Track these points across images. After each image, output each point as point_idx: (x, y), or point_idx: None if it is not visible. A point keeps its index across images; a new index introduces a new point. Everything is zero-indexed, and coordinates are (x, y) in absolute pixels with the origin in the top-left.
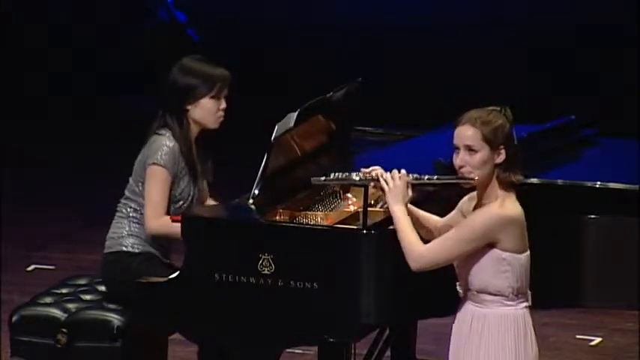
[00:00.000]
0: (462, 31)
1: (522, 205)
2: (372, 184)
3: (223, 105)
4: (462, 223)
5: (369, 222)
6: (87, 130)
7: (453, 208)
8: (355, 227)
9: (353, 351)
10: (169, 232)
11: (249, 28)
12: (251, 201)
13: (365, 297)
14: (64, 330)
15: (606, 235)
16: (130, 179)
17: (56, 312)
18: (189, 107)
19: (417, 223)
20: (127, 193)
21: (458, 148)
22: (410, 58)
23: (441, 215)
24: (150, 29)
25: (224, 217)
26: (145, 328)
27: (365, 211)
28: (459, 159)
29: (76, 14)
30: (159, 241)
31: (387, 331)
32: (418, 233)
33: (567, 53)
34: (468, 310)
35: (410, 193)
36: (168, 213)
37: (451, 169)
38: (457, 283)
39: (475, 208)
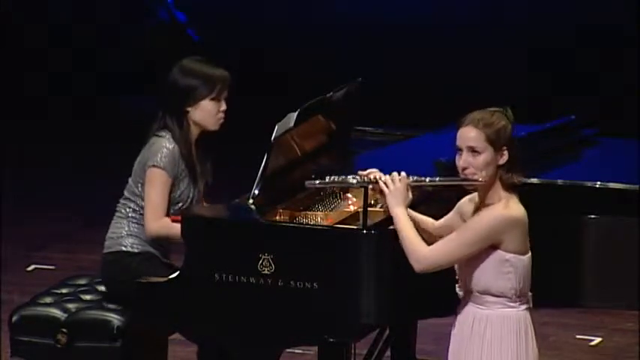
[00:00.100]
0: (462, 31)
1: (523, 205)
2: (370, 186)
3: (223, 107)
4: (466, 225)
5: (369, 222)
6: (87, 130)
7: (450, 210)
8: (355, 227)
9: (353, 351)
10: (169, 234)
11: (249, 28)
12: (251, 201)
13: (365, 297)
14: (64, 330)
15: (606, 235)
16: (130, 180)
17: (56, 312)
18: (189, 109)
19: (413, 225)
20: (126, 193)
21: (461, 150)
22: (410, 58)
23: (438, 217)
24: (150, 29)
25: (224, 217)
26: (145, 328)
27: (365, 211)
28: (463, 160)
29: (76, 14)
30: (159, 241)
31: (387, 331)
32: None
33: (567, 53)
34: (469, 311)
35: (410, 195)
36: (168, 215)
37: (452, 170)
38: (457, 285)
39: (477, 209)
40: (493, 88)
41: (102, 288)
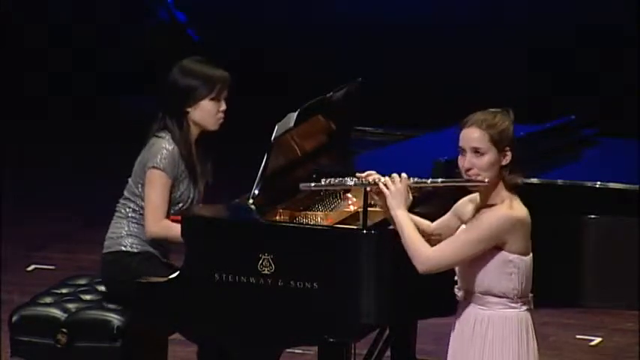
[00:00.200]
0: (462, 31)
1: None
2: (368, 188)
3: (223, 107)
4: (470, 225)
5: (369, 222)
6: (87, 130)
7: (446, 211)
8: (355, 227)
9: (353, 351)
10: (169, 235)
11: (249, 28)
12: (251, 201)
13: (365, 297)
14: (64, 330)
15: (606, 235)
16: (130, 180)
17: (56, 312)
18: (189, 109)
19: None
20: (126, 193)
21: (464, 151)
22: (410, 58)
23: (433, 218)
24: (150, 29)
25: (224, 217)
26: (145, 328)
27: (365, 211)
28: (467, 161)
29: (76, 14)
30: (158, 241)
31: (387, 331)
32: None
33: (567, 53)
34: (470, 313)
35: (410, 196)
36: (168, 216)
37: (452, 170)
38: (455, 287)
39: (478, 210)
40: (493, 88)
41: (102, 288)
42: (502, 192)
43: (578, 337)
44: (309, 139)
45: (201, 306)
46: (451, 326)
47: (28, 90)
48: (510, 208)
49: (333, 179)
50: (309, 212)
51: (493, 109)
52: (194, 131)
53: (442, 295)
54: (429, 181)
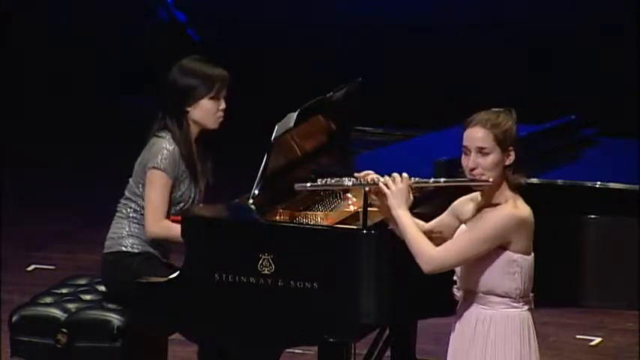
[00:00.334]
0: (462, 31)
1: None
2: (367, 188)
3: (223, 105)
4: (475, 225)
5: (369, 222)
6: (87, 130)
7: (442, 211)
8: (355, 227)
9: (353, 351)
10: (170, 235)
11: (249, 28)
12: (251, 201)
13: (365, 297)
14: (64, 330)
15: (606, 235)
16: (130, 180)
17: (56, 312)
18: (188, 109)
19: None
20: (126, 193)
21: (468, 150)
22: (410, 58)
23: (429, 218)
24: (150, 29)
25: (224, 217)
26: (145, 328)
27: (365, 211)
28: (471, 161)
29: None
30: (159, 241)
31: (387, 331)
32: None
33: (567, 53)
34: (471, 313)
35: (411, 196)
36: (168, 216)
37: (452, 170)
38: (455, 287)
39: (479, 210)
40: (493, 88)
41: (102, 288)
42: (506, 192)
43: (578, 337)
44: (309, 139)
45: (201, 306)
46: (451, 326)
47: (28, 90)
48: (515, 208)
49: (329, 179)
50: (309, 212)
51: (496, 109)
52: (194, 130)
53: (442, 295)
54: (431, 180)
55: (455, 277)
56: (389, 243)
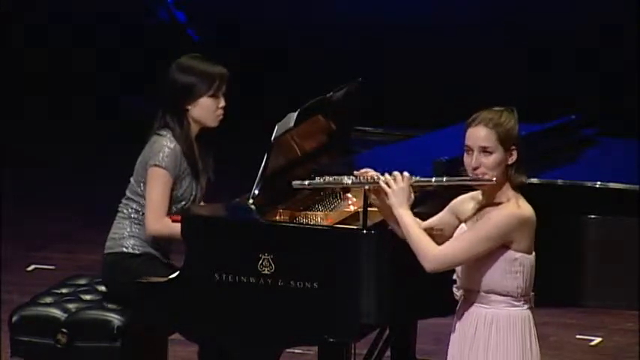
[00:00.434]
0: (462, 31)
1: None
2: (366, 187)
3: (222, 103)
4: (478, 224)
5: (369, 222)
6: (87, 130)
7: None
8: (355, 227)
9: (353, 351)
10: (170, 233)
11: (249, 28)
12: (251, 201)
13: (365, 297)
14: (64, 330)
15: (606, 235)
16: (132, 179)
17: (56, 312)
18: (188, 107)
19: (398, 225)
20: (128, 193)
21: (471, 149)
22: (410, 58)
23: (425, 217)
24: (150, 29)
25: (224, 217)
26: (145, 328)
27: (365, 211)
28: (475, 160)
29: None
30: (159, 241)
31: (387, 331)
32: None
33: (567, 53)
34: (472, 312)
35: (412, 195)
36: (169, 214)
37: (452, 170)
38: (454, 286)
39: (481, 209)
40: (493, 88)
41: (102, 288)
42: (508, 191)
43: (578, 337)
44: (309, 139)
45: (201, 306)
46: (451, 326)
47: (28, 90)
48: (517, 207)
49: (328, 177)
50: (309, 212)
51: (498, 108)
52: (194, 128)
53: (442, 295)
54: (433, 179)
55: (454, 277)
56: (389, 243)
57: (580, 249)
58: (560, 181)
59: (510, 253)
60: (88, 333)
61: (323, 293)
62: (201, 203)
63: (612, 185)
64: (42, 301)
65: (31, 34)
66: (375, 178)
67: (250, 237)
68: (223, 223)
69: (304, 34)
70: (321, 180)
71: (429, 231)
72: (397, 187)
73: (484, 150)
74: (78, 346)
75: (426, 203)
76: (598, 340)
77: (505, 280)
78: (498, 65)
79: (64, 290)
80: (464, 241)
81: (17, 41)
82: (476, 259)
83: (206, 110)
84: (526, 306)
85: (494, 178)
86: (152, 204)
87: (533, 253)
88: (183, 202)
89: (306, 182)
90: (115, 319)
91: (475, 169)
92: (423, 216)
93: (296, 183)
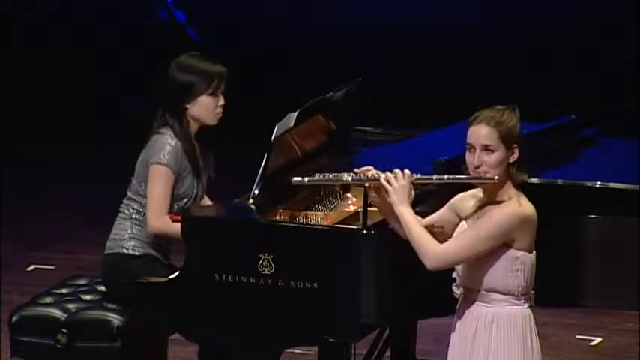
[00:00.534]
0: (462, 31)
1: None
2: (367, 184)
3: (221, 101)
4: (478, 222)
5: (369, 222)
6: (87, 130)
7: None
8: (355, 227)
9: (353, 351)
10: (171, 231)
11: (249, 28)
12: (251, 201)
13: (365, 297)
14: (64, 330)
15: (606, 235)
16: (133, 180)
17: (56, 312)
18: (187, 105)
19: (398, 223)
20: (129, 194)
21: (473, 148)
22: (410, 58)
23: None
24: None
25: (224, 217)
26: (145, 328)
27: (365, 211)
28: (477, 159)
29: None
30: (160, 242)
31: (387, 331)
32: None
33: (567, 53)
34: (472, 311)
35: (413, 193)
36: (171, 212)
37: (452, 170)
38: (454, 284)
39: (482, 207)
40: (493, 88)
41: (102, 288)
42: (509, 189)
43: (578, 337)
44: (309, 139)
45: (201, 306)
46: (451, 325)
47: (28, 90)
48: (519, 205)
49: (328, 174)
50: (309, 212)
51: (499, 106)
52: (193, 127)
53: (442, 294)
54: (435, 177)
55: (454, 275)
56: (389, 243)
57: (580, 249)
58: (560, 181)
59: (512, 252)
60: (88, 333)
61: (323, 293)
62: (209, 202)
63: (612, 185)
64: (42, 301)
65: (31, 34)
66: (376, 175)
67: (250, 237)
68: (223, 224)
69: (304, 34)
70: (321, 177)
71: (430, 228)
72: (398, 184)
73: (486, 148)
74: (78, 346)
75: (426, 203)
76: (598, 340)
77: (506, 278)
78: (498, 65)
79: (64, 290)
80: (465, 239)
81: (17, 41)
82: (477, 258)
83: (205, 109)
84: (527, 304)
85: (496, 177)
86: (154, 202)
87: (534, 252)
88: (185, 200)
89: (306, 179)
90: (115, 319)
91: (477, 167)
92: (423, 215)
93: (295, 180)
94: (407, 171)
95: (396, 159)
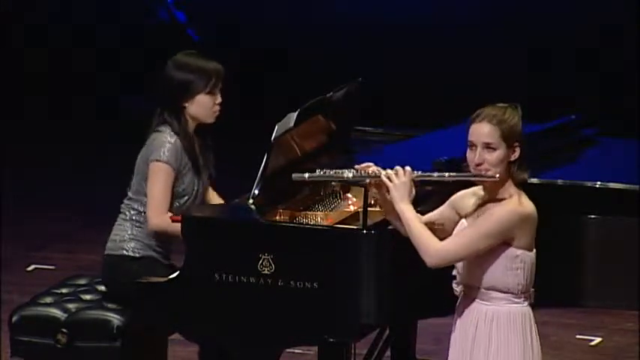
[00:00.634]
0: (462, 31)
1: None
2: (367, 181)
3: (219, 99)
4: (480, 220)
5: (369, 222)
6: (87, 130)
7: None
8: (355, 227)
9: (353, 351)
10: (171, 230)
11: (249, 28)
12: (251, 201)
13: (365, 297)
14: (64, 330)
15: (606, 235)
16: (133, 179)
17: (56, 312)
18: (185, 104)
19: (399, 220)
20: (130, 194)
21: (474, 146)
22: (410, 58)
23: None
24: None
25: (224, 217)
26: (144, 328)
27: (365, 211)
28: (478, 156)
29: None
30: (160, 242)
31: (387, 331)
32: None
33: (567, 53)
34: (472, 309)
35: (414, 191)
36: (171, 209)
37: (452, 169)
38: (454, 282)
39: (482, 205)
40: (493, 88)
41: (102, 288)
42: (510, 187)
43: (578, 337)
44: (309, 139)
45: (201, 306)
46: (451, 325)
47: (28, 90)
48: (519, 204)
49: (328, 170)
50: (309, 212)
51: (501, 104)
52: (191, 125)
53: (442, 294)
54: (435, 174)
55: (454, 272)
56: (389, 243)
57: (580, 249)
58: (560, 181)
59: (512, 250)
60: (88, 333)
61: (323, 293)
62: (220, 200)
63: (612, 185)
64: (42, 301)
65: (31, 34)
66: (377, 172)
67: (250, 237)
68: (223, 224)
69: (304, 34)
70: (322, 173)
71: (430, 225)
72: (399, 181)
73: (487, 146)
74: (78, 346)
75: (427, 202)
76: (598, 340)
77: (506, 276)
78: (498, 65)
79: (64, 290)
80: (465, 237)
81: (17, 41)
82: (477, 256)
83: (203, 107)
84: (526, 302)
85: (497, 175)
86: (154, 199)
87: (534, 251)
88: (185, 197)
89: (306, 175)
90: (115, 319)
91: (478, 165)
92: (424, 214)
93: (296, 175)
94: (408, 168)
95: (395, 159)
